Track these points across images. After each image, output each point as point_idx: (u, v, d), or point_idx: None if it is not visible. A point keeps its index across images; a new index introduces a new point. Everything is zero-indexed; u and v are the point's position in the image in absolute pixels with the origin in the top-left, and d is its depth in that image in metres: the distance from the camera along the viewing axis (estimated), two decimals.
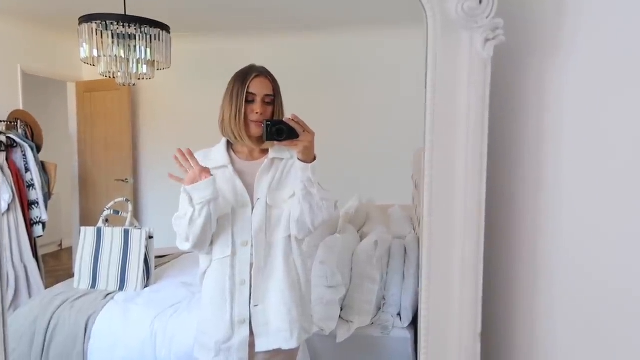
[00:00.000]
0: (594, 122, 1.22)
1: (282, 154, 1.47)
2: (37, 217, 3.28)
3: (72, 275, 2.66)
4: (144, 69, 2.75)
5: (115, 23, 2.54)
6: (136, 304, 2.35)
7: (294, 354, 1.55)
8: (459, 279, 1.25)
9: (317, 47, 4.09)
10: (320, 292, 2.10)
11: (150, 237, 2.59)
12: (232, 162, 1.49)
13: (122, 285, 2.50)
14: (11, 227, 3.07)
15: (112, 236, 2.56)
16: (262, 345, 1.47)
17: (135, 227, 2.63)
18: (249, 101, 1.43)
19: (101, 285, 2.52)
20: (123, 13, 2.60)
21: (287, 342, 1.47)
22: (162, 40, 2.68)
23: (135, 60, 2.68)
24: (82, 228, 2.63)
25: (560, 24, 1.23)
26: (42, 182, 3.32)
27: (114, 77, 2.85)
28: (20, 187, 3.20)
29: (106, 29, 2.55)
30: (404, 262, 2.29)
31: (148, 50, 2.66)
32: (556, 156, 1.28)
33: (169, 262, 3.03)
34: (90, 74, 4.08)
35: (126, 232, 2.56)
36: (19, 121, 3.44)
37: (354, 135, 4.05)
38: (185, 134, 3.96)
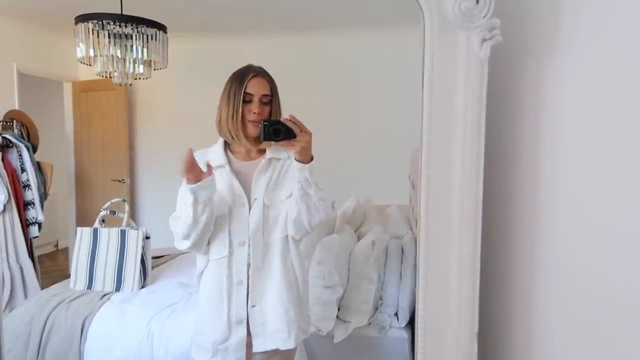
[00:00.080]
0: (591, 122, 1.22)
1: (280, 154, 1.47)
2: (33, 217, 3.26)
3: (68, 276, 2.65)
4: (140, 69, 2.74)
5: (112, 23, 2.53)
6: (133, 304, 2.34)
7: (291, 354, 1.54)
8: (456, 278, 1.25)
9: (314, 47, 4.08)
10: (317, 292, 2.10)
11: (147, 238, 2.58)
12: (230, 162, 1.49)
13: (118, 286, 2.50)
14: (7, 227, 3.06)
15: (109, 237, 2.55)
16: (260, 345, 1.47)
17: (132, 227, 2.62)
18: (247, 101, 1.43)
19: (97, 285, 2.51)
20: (120, 13, 2.59)
21: (284, 342, 1.47)
22: (159, 40, 2.68)
23: (131, 60, 2.67)
24: (79, 228, 2.61)
25: (557, 24, 1.24)
26: (38, 183, 3.30)
27: (110, 77, 2.83)
28: (16, 187, 3.18)
29: (103, 29, 2.55)
30: (401, 262, 2.29)
31: (145, 50, 2.65)
32: (553, 156, 1.28)
33: (165, 262, 3.02)
34: (86, 73, 4.05)
35: (123, 233, 2.55)
36: (14, 121, 3.42)
37: (351, 135, 4.05)
38: (182, 134, 3.95)
